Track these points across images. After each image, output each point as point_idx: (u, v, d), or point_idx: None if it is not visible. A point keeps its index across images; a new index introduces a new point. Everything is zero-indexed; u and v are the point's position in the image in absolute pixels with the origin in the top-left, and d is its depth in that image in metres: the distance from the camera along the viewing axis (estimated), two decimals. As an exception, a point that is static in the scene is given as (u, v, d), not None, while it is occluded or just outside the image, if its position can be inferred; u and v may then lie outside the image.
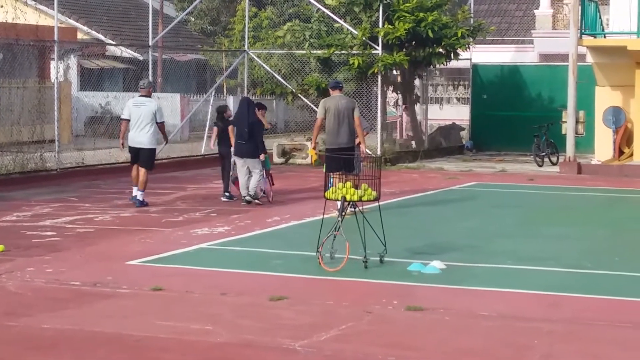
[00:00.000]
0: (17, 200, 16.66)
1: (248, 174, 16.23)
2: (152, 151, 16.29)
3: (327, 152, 14.68)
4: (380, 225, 11.25)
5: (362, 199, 11.22)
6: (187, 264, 11.29)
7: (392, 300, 9.43)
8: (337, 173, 12.94)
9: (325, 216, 11.68)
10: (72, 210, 15.60)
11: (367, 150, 15.77)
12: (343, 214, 11.26)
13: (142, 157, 16.18)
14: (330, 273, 10.58)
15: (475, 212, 16.10)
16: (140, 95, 16.44)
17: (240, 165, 16.23)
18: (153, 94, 16.82)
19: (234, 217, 14.92)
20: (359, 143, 15.04)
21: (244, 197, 16.26)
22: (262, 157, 16.25)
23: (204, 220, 14.69)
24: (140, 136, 16.16)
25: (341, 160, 13.78)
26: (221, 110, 17.36)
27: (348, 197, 11.19)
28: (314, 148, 15.56)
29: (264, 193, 16.71)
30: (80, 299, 9.43)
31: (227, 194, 16.89)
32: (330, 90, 15.18)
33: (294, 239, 13.25)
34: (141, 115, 16.13)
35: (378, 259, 11.12)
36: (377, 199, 11.33)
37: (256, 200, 16.20)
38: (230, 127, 16.62)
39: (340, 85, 15.32)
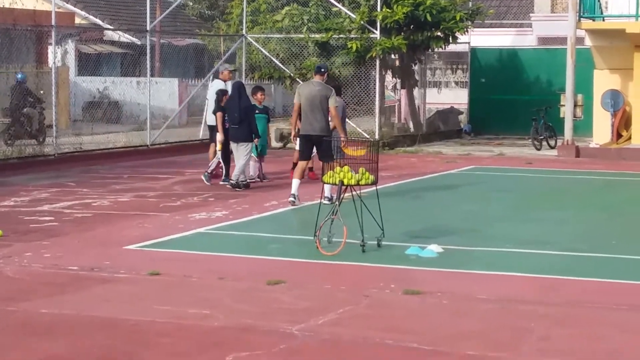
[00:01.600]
0: (15, 186, 16.65)
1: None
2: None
3: (299, 138, 14.69)
4: (378, 209, 11.23)
5: (360, 183, 11.20)
6: (184, 248, 11.27)
7: (389, 284, 9.43)
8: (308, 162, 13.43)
9: (323, 202, 11.70)
10: (70, 195, 15.58)
11: (368, 136, 15.79)
12: (341, 197, 11.25)
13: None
14: (328, 257, 10.58)
15: (473, 196, 16.08)
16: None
17: (235, 149, 16.23)
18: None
19: (232, 202, 14.91)
20: (334, 127, 14.49)
21: (230, 181, 16.27)
22: (256, 141, 16.26)
23: (202, 204, 14.68)
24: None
25: (311, 146, 13.89)
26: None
27: (346, 181, 11.17)
28: (295, 136, 15.39)
29: (259, 178, 16.87)
30: (78, 283, 9.42)
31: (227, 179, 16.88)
32: (313, 74, 14.67)
33: (292, 223, 13.26)
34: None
35: (376, 242, 11.11)
36: (374, 183, 11.31)
37: (237, 189, 16.03)
38: (219, 114, 16.73)
39: (322, 70, 14.42)
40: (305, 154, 14.68)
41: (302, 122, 14.42)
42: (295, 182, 14.41)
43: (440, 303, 8.76)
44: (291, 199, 14.32)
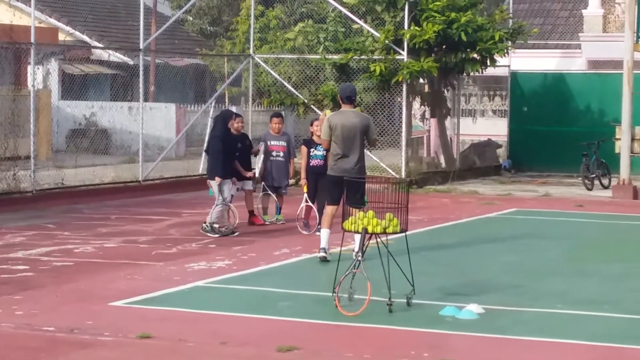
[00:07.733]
0: (-15, 228, 16.58)
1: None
2: None
3: (327, 178, 13.90)
4: (407, 261, 11.07)
5: (387, 230, 10.97)
6: (180, 306, 11.10)
7: (422, 352, 9.21)
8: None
9: (343, 249, 11.57)
10: (48, 239, 15.48)
11: (393, 172, 15.47)
12: (364, 248, 11.02)
13: None
14: (349, 318, 10.41)
15: (516, 245, 15.94)
16: None
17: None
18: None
19: (236, 249, 14.78)
20: None
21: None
22: (217, 180, 15.85)
23: (201, 252, 14.54)
24: None
25: (342, 189, 12.87)
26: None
27: (370, 229, 10.96)
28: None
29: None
30: (54, 348, 9.22)
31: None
32: (341, 102, 13.56)
33: (306, 276, 13.11)
34: None
35: (405, 301, 10.96)
36: (404, 230, 11.08)
37: (214, 234, 15.83)
38: (304, 149, 16.31)
39: (353, 97, 13.52)
40: (335, 198, 13.65)
41: (332, 160, 13.63)
42: (325, 233, 13.79)
43: (482, 376, 8.51)
44: (322, 253, 13.75)
